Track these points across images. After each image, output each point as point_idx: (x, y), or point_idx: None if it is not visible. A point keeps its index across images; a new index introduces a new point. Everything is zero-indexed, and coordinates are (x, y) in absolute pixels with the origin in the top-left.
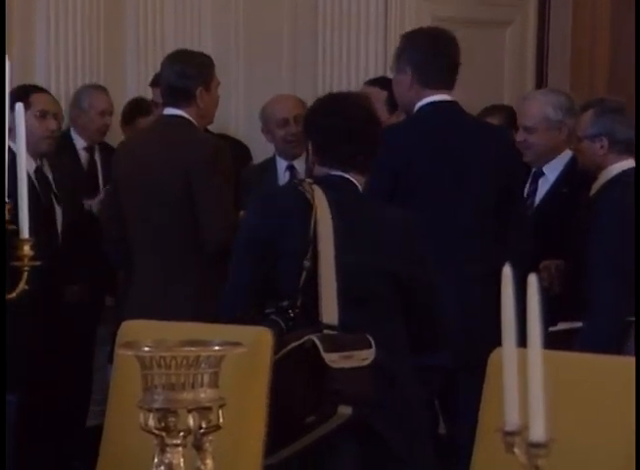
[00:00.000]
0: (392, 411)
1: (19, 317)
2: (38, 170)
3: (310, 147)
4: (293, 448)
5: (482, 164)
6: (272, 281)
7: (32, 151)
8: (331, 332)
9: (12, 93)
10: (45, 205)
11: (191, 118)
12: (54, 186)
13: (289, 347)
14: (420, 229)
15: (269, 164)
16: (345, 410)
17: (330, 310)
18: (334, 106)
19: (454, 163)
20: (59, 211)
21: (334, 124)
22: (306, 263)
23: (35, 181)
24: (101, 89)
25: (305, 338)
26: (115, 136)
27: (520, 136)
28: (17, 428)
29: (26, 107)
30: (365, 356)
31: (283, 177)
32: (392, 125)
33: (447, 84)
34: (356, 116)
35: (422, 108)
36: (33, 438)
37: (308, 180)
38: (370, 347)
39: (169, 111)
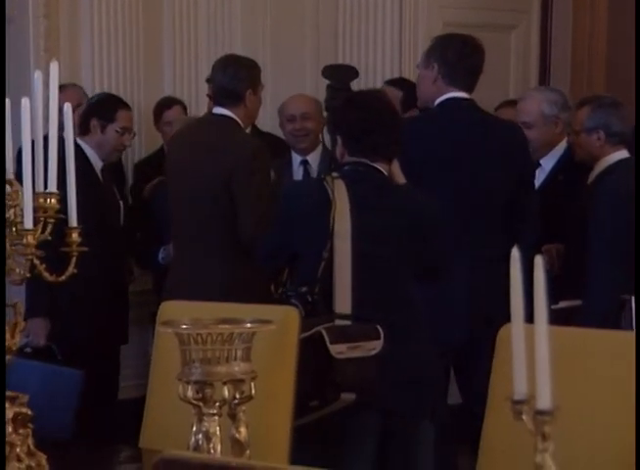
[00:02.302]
0: (404, 365)
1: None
2: (104, 169)
3: (339, 139)
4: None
5: (495, 157)
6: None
7: (104, 157)
8: (343, 322)
9: (100, 100)
10: (109, 200)
11: (237, 119)
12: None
13: (300, 336)
14: (439, 215)
15: (285, 159)
16: (348, 397)
17: (343, 301)
18: (361, 102)
19: (468, 154)
20: (122, 205)
21: (362, 118)
22: (325, 255)
23: (101, 179)
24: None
25: (314, 329)
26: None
27: None
28: (81, 398)
29: (111, 120)
30: (373, 347)
31: (297, 171)
32: (414, 117)
33: (468, 86)
34: (381, 110)
35: (442, 103)
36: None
37: (334, 174)
38: (379, 338)
39: (218, 110)
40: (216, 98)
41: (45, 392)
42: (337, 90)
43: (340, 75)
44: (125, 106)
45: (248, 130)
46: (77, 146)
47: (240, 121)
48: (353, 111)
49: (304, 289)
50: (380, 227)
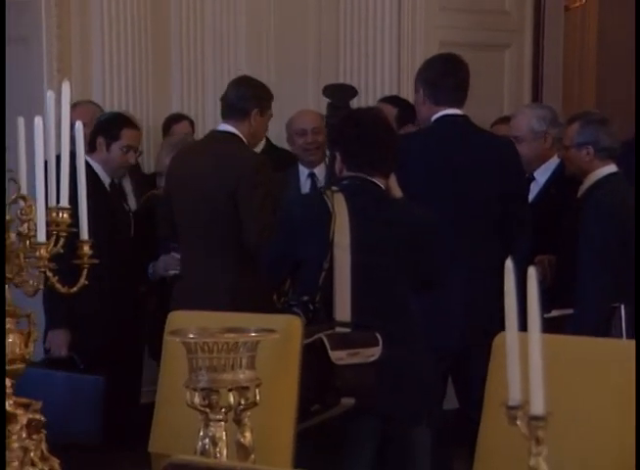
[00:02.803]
0: (400, 371)
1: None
2: (112, 185)
3: (338, 155)
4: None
5: (489, 171)
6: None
7: (109, 173)
8: (343, 329)
9: (107, 119)
10: (118, 213)
11: (241, 135)
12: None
13: (303, 342)
14: (436, 227)
15: (292, 172)
16: (348, 401)
17: (343, 309)
18: (358, 119)
19: (463, 168)
20: (131, 217)
21: (359, 134)
22: (325, 265)
23: (110, 193)
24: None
25: (316, 336)
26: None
27: None
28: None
29: (115, 138)
30: (371, 354)
31: (305, 183)
32: (412, 133)
33: (456, 102)
34: (377, 126)
35: (437, 119)
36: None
37: (333, 188)
38: (377, 345)
39: (222, 127)
40: (223, 114)
41: (70, 400)
42: (337, 108)
43: (340, 94)
44: (132, 125)
45: (262, 145)
46: (86, 162)
47: (243, 138)
48: (351, 128)
49: (306, 298)
50: (378, 239)
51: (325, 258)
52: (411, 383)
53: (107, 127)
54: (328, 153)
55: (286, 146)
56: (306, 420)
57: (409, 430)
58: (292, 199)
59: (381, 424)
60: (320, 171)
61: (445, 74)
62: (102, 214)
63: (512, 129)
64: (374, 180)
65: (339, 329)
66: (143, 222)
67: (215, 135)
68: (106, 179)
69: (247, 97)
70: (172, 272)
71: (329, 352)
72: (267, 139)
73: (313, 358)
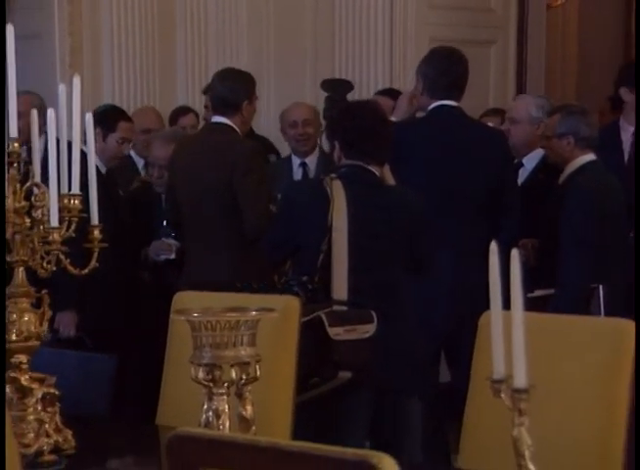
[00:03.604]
0: (394, 345)
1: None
2: (108, 173)
3: (337, 144)
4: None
5: (479, 158)
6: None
7: (104, 162)
8: (340, 307)
9: (104, 111)
10: (114, 200)
11: (235, 126)
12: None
13: (301, 320)
14: (425, 211)
15: (285, 161)
16: (345, 375)
17: (340, 288)
18: (357, 111)
19: (454, 154)
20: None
21: (356, 126)
22: (323, 247)
23: (106, 180)
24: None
25: (315, 314)
26: None
27: (505, 125)
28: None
29: (112, 130)
30: (367, 330)
31: (297, 172)
32: (406, 121)
33: (452, 96)
34: (373, 118)
35: (432, 109)
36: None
37: (332, 175)
38: (372, 322)
39: (217, 119)
40: (216, 107)
41: (81, 377)
42: (334, 101)
43: (337, 88)
44: (127, 118)
45: None
46: (83, 152)
47: (237, 128)
48: (349, 119)
49: (305, 278)
50: (373, 222)
51: (323, 240)
52: (403, 358)
53: (103, 119)
54: (319, 143)
55: (272, 136)
56: (306, 392)
57: (401, 402)
58: (292, 186)
59: (375, 396)
60: (312, 161)
61: (444, 73)
62: (102, 201)
63: (511, 110)
64: (370, 168)
65: (336, 307)
66: (134, 208)
67: (211, 127)
68: (102, 168)
69: (236, 90)
70: (164, 257)
71: (327, 328)
72: (250, 129)
73: (312, 335)
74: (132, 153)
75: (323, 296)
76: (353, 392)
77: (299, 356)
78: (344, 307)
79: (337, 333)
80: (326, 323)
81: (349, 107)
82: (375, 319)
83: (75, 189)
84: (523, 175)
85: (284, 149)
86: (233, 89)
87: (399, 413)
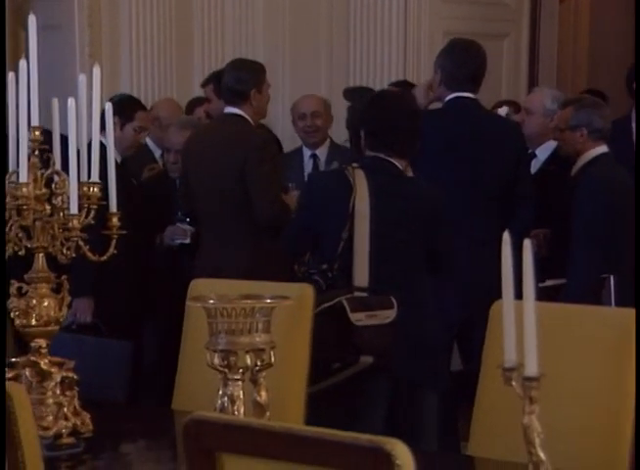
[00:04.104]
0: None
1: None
2: (123, 162)
3: (362, 134)
4: (320, 386)
5: (494, 148)
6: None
7: (120, 152)
8: (361, 294)
9: (120, 100)
10: (128, 187)
11: (246, 115)
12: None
13: (323, 306)
14: (444, 204)
15: (296, 153)
16: (367, 360)
17: (361, 275)
18: (384, 101)
19: (470, 145)
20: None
21: (381, 117)
22: (344, 235)
23: (122, 169)
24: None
25: (336, 300)
26: None
27: (519, 117)
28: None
29: (130, 119)
30: (388, 315)
31: (307, 163)
32: (423, 111)
33: (469, 88)
34: (400, 110)
35: (449, 100)
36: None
37: (354, 165)
38: (392, 307)
39: (229, 110)
40: (226, 98)
41: (98, 362)
42: (357, 111)
43: (359, 97)
44: (143, 107)
45: None
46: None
47: (249, 118)
48: (375, 110)
49: (325, 266)
50: (394, 212)
51: (344, 228)
52: (421, 347)
53: (121, 109)
54: (329, 134)
55: (287, 128)
56: (328, 378)
57: (418, 390)
58: (315, 176)
59: (392, 385)
60: (322, 153)
61: (462, 65)
62: (120, 189)
63: (526, 102)
64: (392, 160)
65: (357, 294)
66: (150, 196)
67: (223, 117)
68: (118, 157)
69: (243, 80)
70: (179, 241)
71: (349, 313)
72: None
73: (334, 320)
74: (149, 142)
75: (342, 283)
76: (372, 379)
77: (320, 342)
78: (365, 294)
79: (358, 318)
80: (348, 309)
81: (376, 97)
82: (395, 305)
83: (95, 177)
84: (535, 166)
85: (297, 140)
86: (239, 78)
87: (415, 403)
